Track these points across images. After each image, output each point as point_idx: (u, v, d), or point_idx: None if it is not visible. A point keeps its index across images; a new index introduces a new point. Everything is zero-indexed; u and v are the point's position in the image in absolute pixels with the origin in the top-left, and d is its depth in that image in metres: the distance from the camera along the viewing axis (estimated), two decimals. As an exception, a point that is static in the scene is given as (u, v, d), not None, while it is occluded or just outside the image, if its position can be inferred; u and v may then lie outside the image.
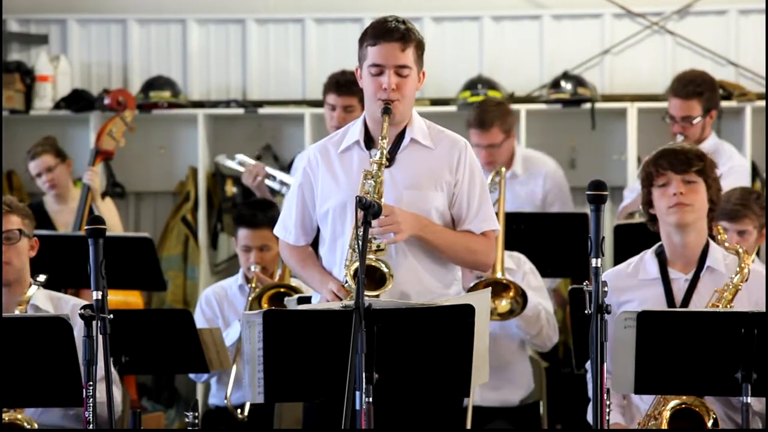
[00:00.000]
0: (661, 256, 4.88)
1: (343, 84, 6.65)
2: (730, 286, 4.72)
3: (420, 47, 4.67)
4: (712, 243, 4.87)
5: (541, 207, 7.25)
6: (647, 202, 4.89)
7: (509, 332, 6.11)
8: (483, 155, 6.86)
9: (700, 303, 4.77)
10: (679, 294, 4.83)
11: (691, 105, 6.78)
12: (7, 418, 4.72)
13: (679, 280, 4.85)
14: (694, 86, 6.81)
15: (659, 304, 4.80)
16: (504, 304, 5.90)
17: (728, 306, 4.69)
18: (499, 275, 5.87)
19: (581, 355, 5.77)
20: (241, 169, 7.13)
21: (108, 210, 7.41)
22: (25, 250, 5.03)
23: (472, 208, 4.71)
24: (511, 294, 5.88)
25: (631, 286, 4.86)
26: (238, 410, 6.25)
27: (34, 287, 4.99)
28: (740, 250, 4.76)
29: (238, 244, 6.49)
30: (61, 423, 5.01)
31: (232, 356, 6.20)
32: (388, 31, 4.62)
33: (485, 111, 6.99)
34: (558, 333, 6.29)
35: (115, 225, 7.41)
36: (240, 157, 7.22)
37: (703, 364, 4.30)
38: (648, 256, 4.91)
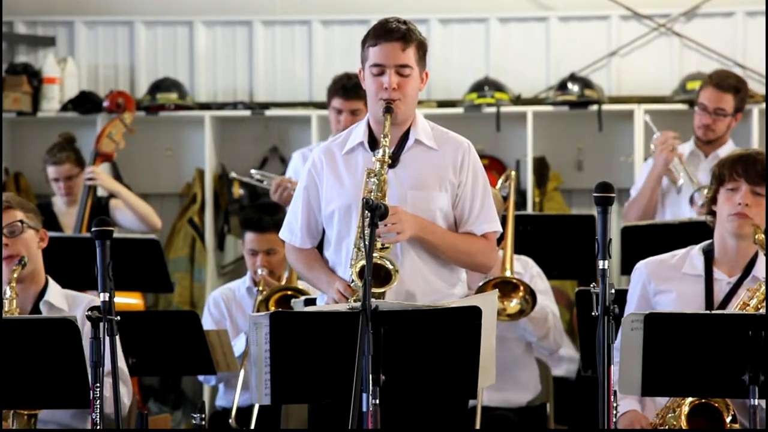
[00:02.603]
0: (708, 254, 4.86)
1: (350, 88, 6.54)
2: (762, 287, 4.68)
3: (422, 48, 4.68)
4: (761, 252, 4.82)
5: None
6: (712, 199, 4.88)
7: (516, 334, 6.09)
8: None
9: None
10: (719, 295, 4.80)
11: (727, 98, 6.80)
12: None
13: (722, 282, 4.83)
14: (734, 81, 6.86)
15: (697, 301, 4.79)
16: (513, 305, 5.84)
17: (759, 307, 4.65)
18: (508, 274, 5.84)
19: (588, 357, 5.77)
20: (262, 183, 7.03)
21: (133, 197, 7.38)
22: (32, 241, 4.92)
23: (475, 210, 4.71)
24: (521, 293, 5.82)
25: (672, 277, 4.84)
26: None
27: (51, 284, 4.93)
28: None
29: (245, 248, 6.49)
30: (70, 422, 4.97)
31: (240, 363, 6.19)
32: (388, 31, 4.63)
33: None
34: (564, 337, 6.27)
35: (145, 206, 7.38)
36: (257, 174, 7.15)
37: (710, 367, 4.28)
38: (695, 251, 4.88)
